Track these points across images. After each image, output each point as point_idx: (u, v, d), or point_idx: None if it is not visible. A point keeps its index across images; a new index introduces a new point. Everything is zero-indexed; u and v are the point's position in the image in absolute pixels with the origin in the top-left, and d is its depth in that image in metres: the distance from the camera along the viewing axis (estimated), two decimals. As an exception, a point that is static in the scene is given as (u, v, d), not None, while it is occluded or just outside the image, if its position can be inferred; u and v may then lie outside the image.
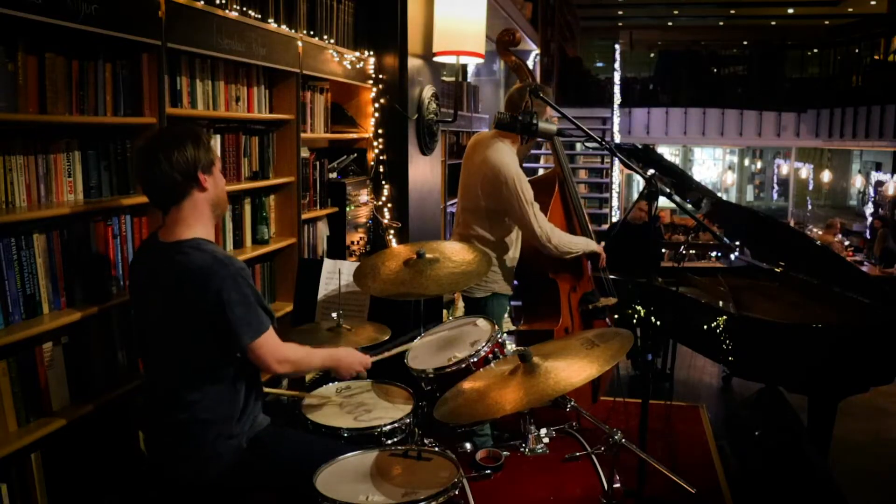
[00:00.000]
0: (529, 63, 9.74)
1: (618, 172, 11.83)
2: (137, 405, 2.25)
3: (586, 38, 19.40)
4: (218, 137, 2.81)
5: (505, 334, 2.53)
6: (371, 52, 3.88)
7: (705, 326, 3.77)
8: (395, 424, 2.13)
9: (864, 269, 7.76)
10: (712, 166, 22.49)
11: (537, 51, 10.03)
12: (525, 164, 3.57)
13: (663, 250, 7.28)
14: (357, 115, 3.96)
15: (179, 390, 1.88)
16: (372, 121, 3.93)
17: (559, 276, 3.36)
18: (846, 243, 9.81)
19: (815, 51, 16.38)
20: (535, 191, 3.43)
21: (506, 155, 3.07)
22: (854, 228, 13.73)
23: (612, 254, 3.61)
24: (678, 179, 4.76)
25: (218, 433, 1.91)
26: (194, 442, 1.90)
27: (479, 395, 1.95)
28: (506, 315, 3.55)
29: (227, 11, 2.62)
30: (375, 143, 3.94)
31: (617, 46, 13.38)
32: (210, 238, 1.95)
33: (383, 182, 3.97)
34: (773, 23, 19.99)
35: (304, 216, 3.34)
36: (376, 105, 3.93)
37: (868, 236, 11.69)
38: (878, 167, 16.14)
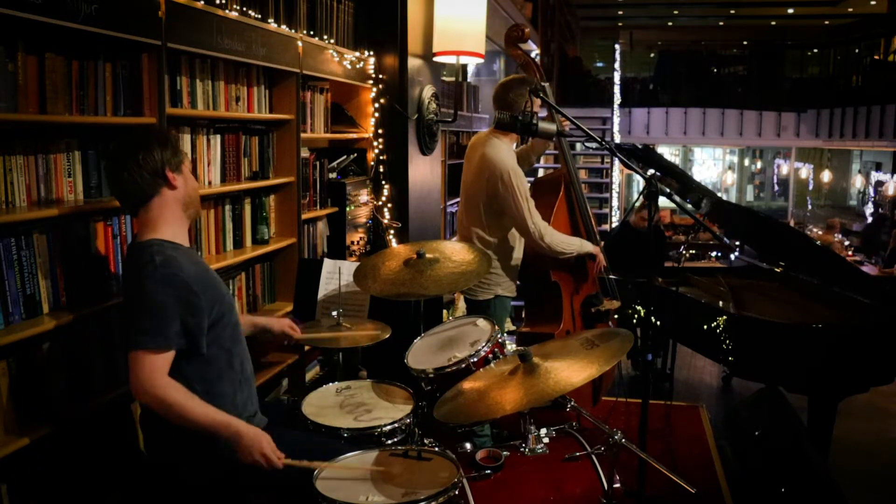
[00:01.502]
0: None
1: (618, 172, 11.83)
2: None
3: (586, 38, 19.43)
4: (218, 137, 2.81)
5: (505, 334, 2.53)
6: (371, 52, 3.88)
7: (705, 326, 3.77)
8: (395, 424, 2.13)
9: (865, 269, 7.75)
10: (712, 166, 22.48)
11: (537, 51, 10.04)
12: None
13: (670, 252, 7.29)
14: (357, 115, 3.96)
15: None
16: (372, 121, 3.93)
17: (561, 278, 3.36)
18: (846, 243, 9.80)
19: (815, 51, 16.38)
20: (541, 190, 3.41)
21: (502, 151, 3.09)
22: (854, 228, 13.72)
23: (614, 255, 3.60)
24: (678, 179, 4.76)
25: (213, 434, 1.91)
26: (190, 443, 1.90)
27: (479, 396, 1.95)
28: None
29: (227, 11, 2.62)
30: (375, 143, 3.94)
31: (617, 46, 13.38)
32: (178, 240, 1.95)
33: (383, 182, 3.97)
34: (773, 23, 19.99)
35: (304, 216, 3.34)
36: (376, 105, 3.93)
37: (860, 230, 11.71)
38: (878, 167, 16.13)
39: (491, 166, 3.05)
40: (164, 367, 1.81)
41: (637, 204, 5.76)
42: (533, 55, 3.53)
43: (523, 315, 3.64)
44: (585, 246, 3.25)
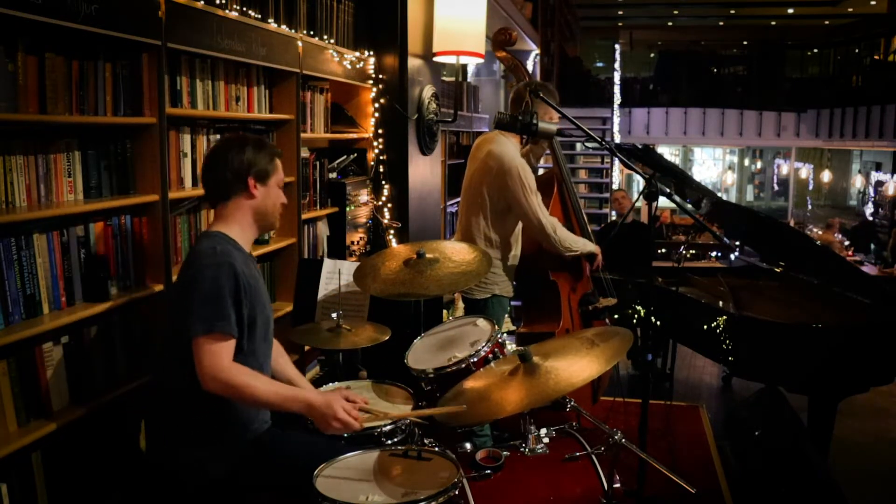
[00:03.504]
0: (529, 63, 9.74)
1: (618, 172, 11.84)
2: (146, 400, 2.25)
3: (586, 38, 19.41)
4: (218, 137, 2.81)
5: (505, 334, 2.53)
6: (371, 52, 3.88)
7: (705, 326, 3.77)
8: (395, 424, 2.13)
9: (865, 269, 7.75)
10: (712, 166, 22.48)
11: (537, 51, 10.03)
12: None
13: (661, 250, 7.28)
14: (357, 115, 3.96)
15: (177, 389, 1.88)
16: (372, 121, 3.93)
17: (559, 277, 3.36)
18: (846, 243, 9.81)
19: (815, 51, 16.39)
20: None
21: (509, 148, 3.10)
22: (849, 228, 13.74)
23: (609, 254, 3.61)
24: (678, 179, 4.76)
25: (216, 433, 1.91)
26: (194, 441, 1.91)
27: (480, 396, 1.95)
28: (506, 315, 3.55)
29: (227, 11, 2.62)
30: (375, 143, 3.94)
31: (617, 46, 13.40)
32: (241, 242, 1.99)
33: (383, 182, 3.97)
34: (773, 23, 19.99)
35: (304, 216, 3.34)
36: (376, 105, 3.93)
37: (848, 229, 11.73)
38: (878, 167, 16.13)
39: (500, 162, 3.06)
40: (227, 353, 1.83)
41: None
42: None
43: (522, 314, 3.64)
44: (589, 246, 3.28)
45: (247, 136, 2.06)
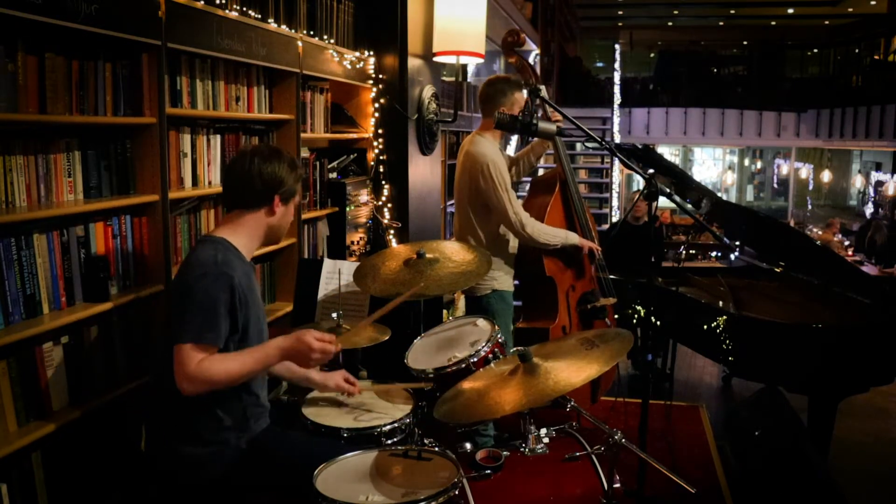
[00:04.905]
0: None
1: (618, 172, 11.83)
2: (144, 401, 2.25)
3: (586, 38, 19.43)
4: (218, 137, 2.81)
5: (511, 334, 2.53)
6: (371, 52, 3.88)
7: (705, 326, 3.77)
8: (395, 424, 2.13)
9: (865, 269, 7.75)
10: (712, 166, 22.48)
11: (537, 51, 10.03)
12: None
13: (664, 250, 7.29)
14: (357, 115, 3.96)
15: (176, 389, 1.88)
16: (372, 121, 3.93)
17: (556, 274, 3.36)
18: (846, 243, 9.82)
19: (815, 51, 16.41)
20: (536, 190, 3.44)
21: (484, 146, 3.14)
22: (854, 228, 13.74)
23: (613, 254, 3.61)
24: (678, 179, 4.76)
25: (215, 433, 1.91)
26: (193, 442, 1.91)
27: (479, 395, 1.95)
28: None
29: (227, 11, 2.61)
30: (375, 143, 3.94)
31: (617, 46, 13.39)
32: (243, 248, 1.99)
33: (383, 182, 3.97)
34: (773, 23, 20.00)
35: (304, 216, 3.34)
36: (376, 105, 3.93)
37: (855, 231, 11.76)
38: (878, 167, 16.14)
39: (473, 161, 3.11)
40: (213, 360, 1.83)
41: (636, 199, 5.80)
42: (533, 55, 3.55)
43: (521, 313, 3.64)
44: (571, 237, 3.27)
45: (280, 150, 2.06)
